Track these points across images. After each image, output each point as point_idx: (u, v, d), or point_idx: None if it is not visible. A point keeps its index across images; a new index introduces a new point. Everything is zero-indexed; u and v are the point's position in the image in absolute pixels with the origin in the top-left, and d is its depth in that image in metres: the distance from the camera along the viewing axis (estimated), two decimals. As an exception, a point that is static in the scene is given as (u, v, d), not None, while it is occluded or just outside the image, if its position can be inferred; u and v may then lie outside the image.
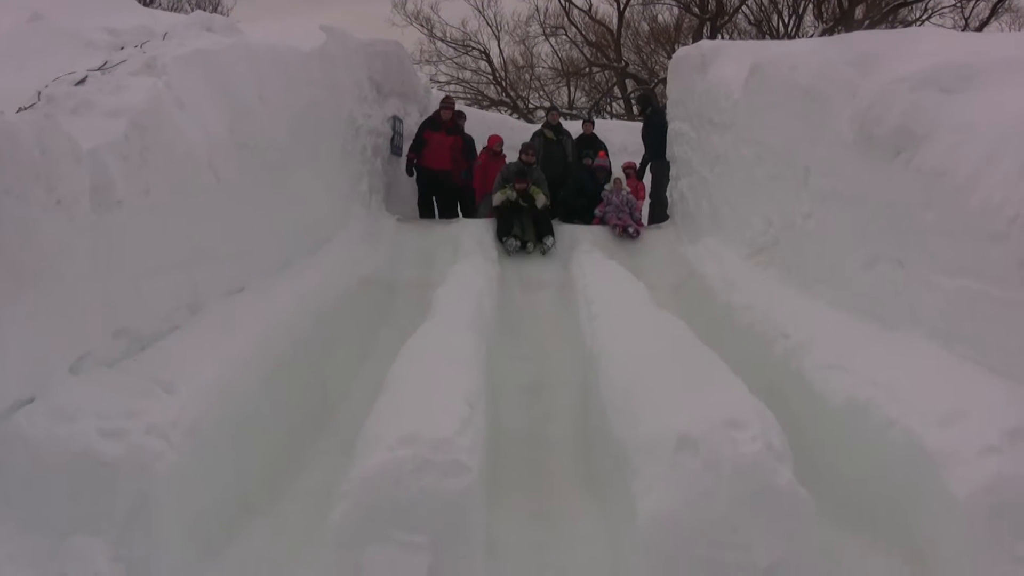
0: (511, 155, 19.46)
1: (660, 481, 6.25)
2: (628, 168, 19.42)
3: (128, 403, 6.74)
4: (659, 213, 19.39)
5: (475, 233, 16.72)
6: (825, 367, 8.55)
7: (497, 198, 16.47)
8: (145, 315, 8.01)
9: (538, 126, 23.33)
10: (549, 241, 16.36)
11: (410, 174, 18.96)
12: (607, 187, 18.00)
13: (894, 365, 7.84)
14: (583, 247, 16.06)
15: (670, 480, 6.21)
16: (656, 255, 16.69)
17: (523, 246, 16.32)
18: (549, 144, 19.50)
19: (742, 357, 9.71)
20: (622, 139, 21.61)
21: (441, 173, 18.86)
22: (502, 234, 16.36)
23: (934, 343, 7.97)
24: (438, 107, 19.54)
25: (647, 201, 19.84)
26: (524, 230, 16.38)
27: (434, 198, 19.37)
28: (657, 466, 6.34)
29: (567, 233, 17.39)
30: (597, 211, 17.91)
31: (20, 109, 7.82)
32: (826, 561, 6.25)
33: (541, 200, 16.55)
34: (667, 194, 19.18)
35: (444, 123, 18.82)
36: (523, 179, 16.57)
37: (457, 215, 19.29)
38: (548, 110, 22.46)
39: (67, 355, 6.99)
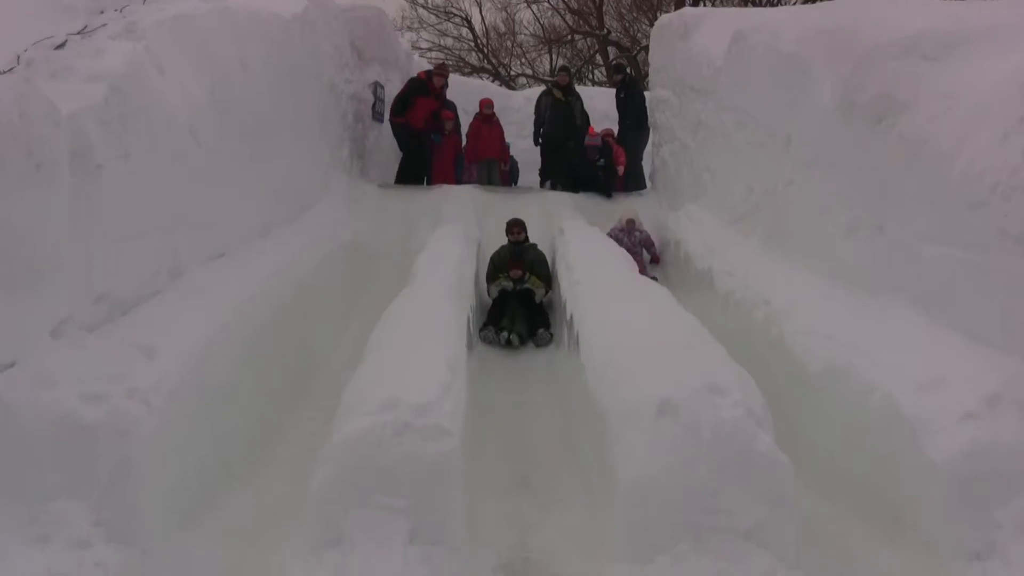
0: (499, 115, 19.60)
1: (641, 446, 6.27)
2: (608, 135, 19.36)
3: (109, 368, 6.73)
4: (635, 182, 19.41)
5: (457, 200, 16.70)
6: (805, 333, 8.58)
7: (492, 291, 13.09)
8: (126, 280, 7.97)
9: (519, 91, 23.20)
10: (545, 336, 12.26)
11: (399, 138, 18.78)
12: (617, 224, 15.94)
13: (874, 331, 7.87)
14: (564, 213, 16.02)
15: (651, 445, 6.23)
16: (637, 222, 16.66)
17: (508, 341, 12.14)
18: (558, 105, 19.37)
19: (723, 323, 9.75)
20: (604, 107, 21.52)
21: (423, 134, 18.79)
22: (490, 322, 12.44)
23: (915, 310, 7.99)
24: (431, 71, 19.38)
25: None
26: (514, 321, 12.38)
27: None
28: (638, 431, 6.36)
29: (550, 199, 17.40)
30: None
31: (-1, 73, 7.78)
32: (805, 525, 6.27)
33: (540, 293, 13.06)
34: (641, 163, 19.35)
35: (434, 90, 18.72)
36: (517, 262, 13.22)
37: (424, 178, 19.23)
38: (559, 69, 22.12)
39: (48, 320, 6.96)
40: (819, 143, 10.24)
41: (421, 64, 23.26)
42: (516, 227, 13.87)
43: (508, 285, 12.95)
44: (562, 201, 17.21)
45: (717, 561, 5.92)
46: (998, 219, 7.18)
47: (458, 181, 18.92)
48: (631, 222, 15.19)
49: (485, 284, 13.33)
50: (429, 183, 18.82)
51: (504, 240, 13.98)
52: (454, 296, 10.11)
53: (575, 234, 13.89)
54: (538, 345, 12.11)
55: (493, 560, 6.42)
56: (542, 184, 19.62)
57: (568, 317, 10.39)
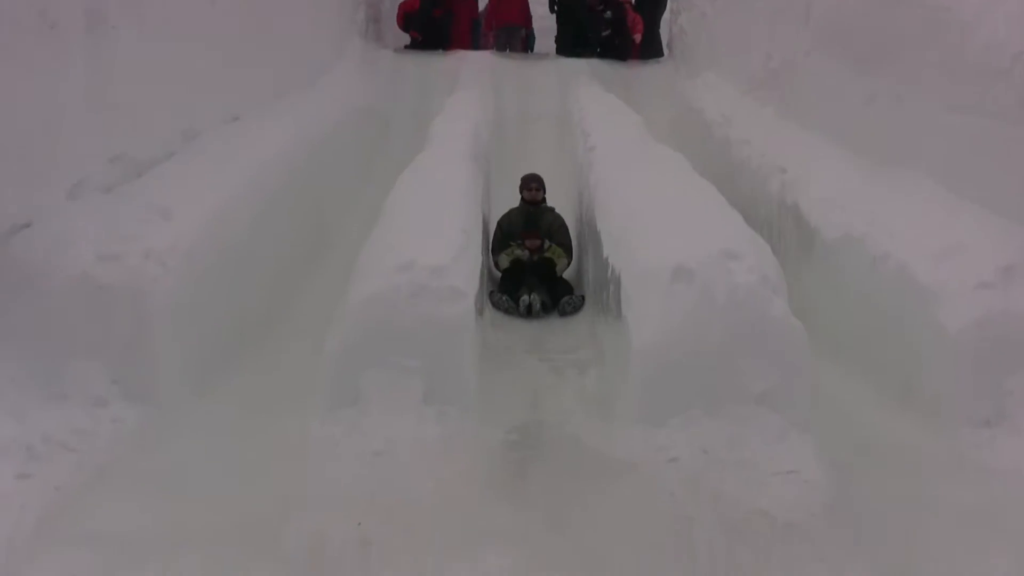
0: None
1: (655, 311, 6.29)
2: (625, 2, 19.12)
3: (125, 228, 6.73)
4: (652, 50, 19.20)
5: (473, 66, 16.57)
6: (821, 202, 8.56)
7: (502, 261, 10.04)
8: (141, 141, 7.96)
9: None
10: (575, 300, 9.50)
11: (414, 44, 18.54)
12: None
13: (891, 201, 7.85)
14: (581, 80, 15.90)
15: (665, 310, 6.25)
16: (654, 89, 16.54)
17: (528, 307, 9.41)
18: None
19: (739, 191, 9.71)
20: (622, -27, 21.21)
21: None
22: (503, 292, 9.71)
23: (932, 180, 7.94)
24: None
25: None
26: (534, 289, 9.58)
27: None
28: (653, 296, 6.37)
29: (566, 66, 17.24)
30: None
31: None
32: (817, 391, 6.30)
33: (562, 264, 10.09)
34: (659, 31, 19.11)
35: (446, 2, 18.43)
36: (533, 232, 10.12)
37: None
38: None
39: (63, 180, 6.96)
40: (839, 11, 10.11)
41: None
42: (534, 183, 10.66)
43: (523, 255, 9.93)
44: (578, 68, 17.04)
45: (729, 425, 5.98)
46: (1019, 88, 7.12)
47: (474, 47, 18.71)
48: None
49: (492, 253, 10.20)
50: (445, 49, 18.60)
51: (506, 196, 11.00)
52: (470, 160, 10.07)
53: (591, 100, 13.81)
54: (563, 313, 9.36)
55: (507, 422, 6.48)
56: (558, 52, 19.39)
57: (584, 184, 10.35)
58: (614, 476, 5.74)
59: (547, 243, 9.97)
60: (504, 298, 9.42)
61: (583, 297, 9.43)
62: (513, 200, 10.22)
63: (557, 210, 10.56)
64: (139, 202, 7.17)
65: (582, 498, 5.49)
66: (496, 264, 10.09)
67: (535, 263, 9.83)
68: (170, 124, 8.52)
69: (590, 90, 14.88)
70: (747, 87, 12.87)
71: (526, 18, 19.63)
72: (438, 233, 7.15)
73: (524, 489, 5.63)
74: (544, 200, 10.57)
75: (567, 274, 10.16)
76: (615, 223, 7.87)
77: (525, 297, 9.34)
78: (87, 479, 5.49)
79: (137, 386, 6.32)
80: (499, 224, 10.37)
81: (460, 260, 6.86)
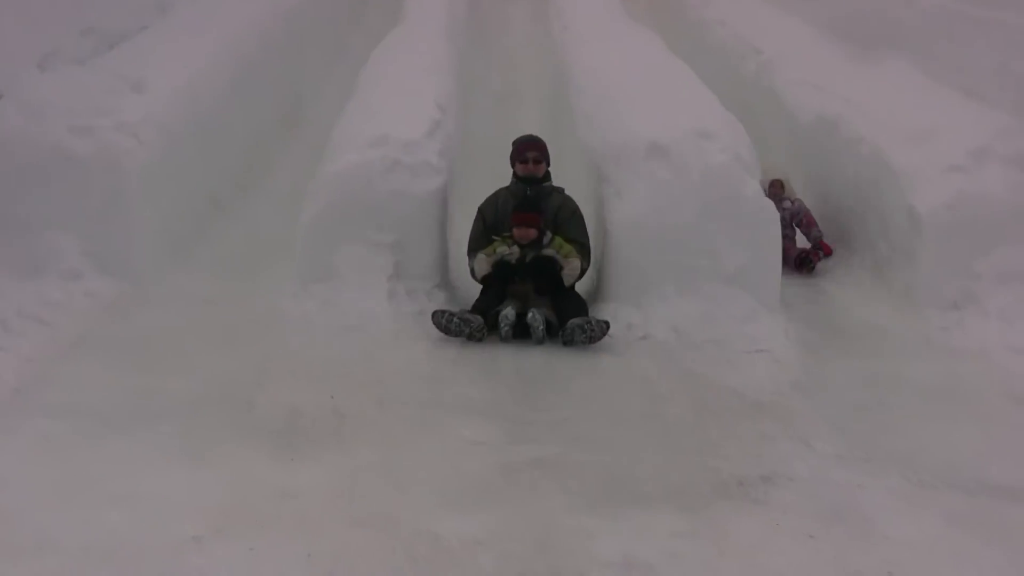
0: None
1: (630, 188, 6.29)
2: None
3: (97, 100, 6.69)
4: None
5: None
6: (796, 84, 8.54)
7: (481, 267, 6.45)
8: (113, 13, 7.88)
9: None
10: (592, 327, 5.94)
11: None
12: None
13: (866, 83, 7.85)
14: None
15: (639, 187, 6.25)
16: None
17: (512, 328, 6.15)
18: None
19: (714, 72, 9.67)
20: None
21: None
22: (480, 309, 6.27)
23: (908, 63, 7.94)
24: None
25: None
26: (527, 301, 6.33)
27: None
28: (627, 174, 6.37)
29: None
30: None
31: None
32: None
33: (573, 269, 6.38)
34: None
35: None
36: (530, 214, 6.47)
37: None
38: None
39: (34, 52, 6.89)
40: None
41: None
42: (532, 151, 6.79)
43: (511, 254, 6.42)
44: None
45: (702, 303, 6.03)
46: (997, -30, 7.10)
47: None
48: (778, 185, 7.96)
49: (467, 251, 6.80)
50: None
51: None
52: (446, 35, 9.98)
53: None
54: (569, 341, 5.97)
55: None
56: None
57: (559, 63, 10.27)
58: (587, 353, 5.79)
59: (548, 234, 6.51)
60: (454, 319, 5.97)
61: (607, 324, 6.01)
62: (491, 77, 8.54)
63: (527, 66, 10.21)
64: (111, 74, 7.12)
65: (555, 374, 5.55)
66: (471, 272, 6.63)
67: (528, 264, 6.43)
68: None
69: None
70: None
71: None
72: (412, 108, 7.08)
73: (496, 364, 5.68)
74: (548, 176, 6.89)
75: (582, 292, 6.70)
76: (590, 103, 7.83)
77: (509, 311, 6.19)
78: (62, 351, 5.51)
79: (111, 259, 6.33)
80: (480, 212, 6.76)
81: (435, 135, 6.80)
